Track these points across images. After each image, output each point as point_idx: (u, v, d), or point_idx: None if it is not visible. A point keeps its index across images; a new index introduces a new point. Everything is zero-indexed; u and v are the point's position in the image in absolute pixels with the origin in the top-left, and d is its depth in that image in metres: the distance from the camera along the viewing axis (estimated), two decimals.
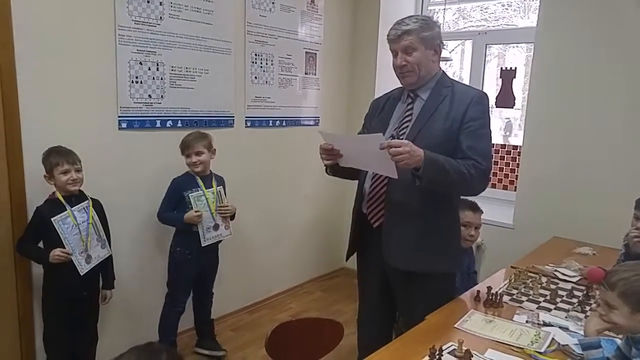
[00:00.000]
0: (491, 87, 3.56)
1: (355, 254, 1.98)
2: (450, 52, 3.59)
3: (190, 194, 2.34)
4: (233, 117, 2.92)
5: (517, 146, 3.45)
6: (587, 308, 1.68)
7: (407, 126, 1.74)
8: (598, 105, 2.71)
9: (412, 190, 1.62)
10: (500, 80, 3.38)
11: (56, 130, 2.12)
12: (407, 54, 1.71)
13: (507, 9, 3.71)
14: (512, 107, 3.41)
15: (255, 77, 3.02)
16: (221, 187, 2.46)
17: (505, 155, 3.56)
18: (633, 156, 2.62)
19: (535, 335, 1.46)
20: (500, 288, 1.86)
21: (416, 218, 1.70)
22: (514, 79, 3.31)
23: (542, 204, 2.92)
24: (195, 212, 2.32)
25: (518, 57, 3.88)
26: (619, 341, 1.26)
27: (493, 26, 3.77)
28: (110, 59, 2.29)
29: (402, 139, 1.65)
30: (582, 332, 1.44)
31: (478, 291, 1.76)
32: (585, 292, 1.83)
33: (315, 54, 3.41)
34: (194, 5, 2.59)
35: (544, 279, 1.94)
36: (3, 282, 2.09)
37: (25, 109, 2.05)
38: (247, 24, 2.91)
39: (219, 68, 2.77)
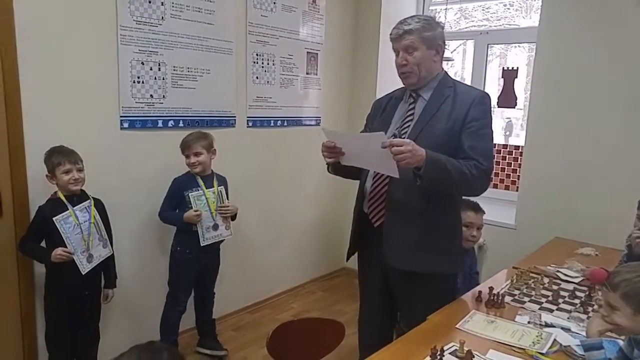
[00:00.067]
0: (493, 87, 3.55)
1: (356, 254, 1.98)
2: (451, 52, 3.59)
3: (190, 194, 2.35)
4: (234, 117, 2.92)
5: (518, 146, 3.44)
6: (590, 309, 1.68)
7: (409, 126, 1.74)
8: (600, 105, 2.71)
9: (413, 189, 1.62)
10: (502, 80, 3.37)
11: (58, 130, 2.12)
12: (409, 54, 1.71)
13: (509, 8, 3.71)
14: (514, 107, 3.40)
15: (257, 77, 3.02)
16: (222, 187, 2.46)
17: (507, 156, 3.55)
18: (635, 156, 2.61)
19: (537, 336, 1.46)
20: (502, 288, 1.85)
21: (417, 217, 1.70)
22: (516, 79, 3.31)
23: (544, 204, 2.91)
24: (195, 211, 2.32)
25: (520, 57, 3.88)
26: (621, 342, 1.26)
27: (495, 26, 3.76)
28: (112, 59, 2.30)
29: (403, 138, 1.65)
30: (584, 333, 1.44)
31: (480, 291, 1.76)
32: (587, 293, 1.82)
33: (317, 54, 3.41)
34: (196, 5, 2.60)
35: (546, 280, 1.94)
36: (6, 281, 2.10)
37: (27, 109, 2.05)
38: (249, 24, 2.91)
39: (221, 68, 2.77)
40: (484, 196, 1.83)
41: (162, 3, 2.44)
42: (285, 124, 3.26)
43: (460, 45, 3.99)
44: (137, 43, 2.37)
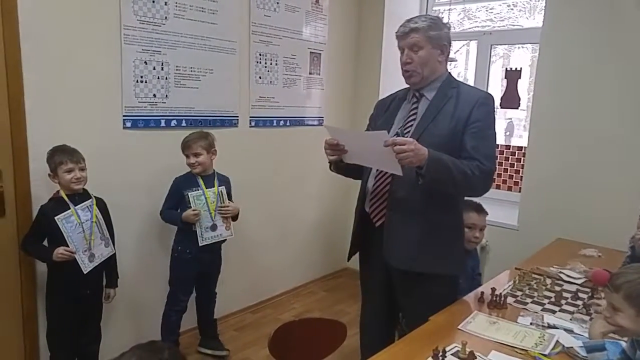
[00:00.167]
0: (496, 88, 3.54)
1: (358, 255, 1.98)
2: (455, 53, 3.58)
3: (189, 193, 2.34)
4: (237, 116, 2.92)
5: (521, 147, 3.43)
6: (592, 310, 1.67)
7: (412, 125, 1.74)
8: (603, 106, 2.70)
9: (415, 188, 1.62)
10: (505, 80, 3.36)
11: (61, 129, 2.13)
12: (414, 52, 1.71)
13: (512, 9, 3.70)
14: (517, 108, 3.40)
15: (260, 77, 3.02)
16: (223, 187, 2.45)
17: (510, 156, 3.54)
18: (639, 158, 2.60)
19: (539, 337, 1.45)
20: (505, 289, 1.85)
21: (419, 217, 1.70)
22: (519, 80, 3.30)
23: (547, 205, 2.90)
24: (193, 211, 2.32)
25: (523, 57, 3.87)
26: (623, 344, 1.25)
27: (498, 26, 3.75)
28: (115, 59, 2.30)
29: (406, 137, 1.65)
30: (586, 335, 1.43)
31: (482, 292, 1.75)
32: (590, 294, 1.82)
33: (320, 54, 3.41)
34: (199, 5, 2.60)
35: (548, 281, 1.93)
36: (8, 280, 2.10)
37: (30, 108, 2.06)
38: (252, 24, 2.91)
39: (224, 68, 2.78)
40: (486, 197, 1.82)
41: (165, 3, 2.45)
42: (288, 124, 3.26)
43: (463, 45, 3.98)
44: (140, 42, 2.38)
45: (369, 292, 1.99)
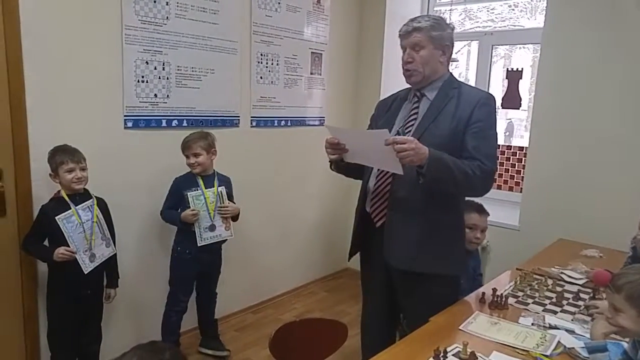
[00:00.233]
0: (497, 88, 3.54)
1: (359, 255, 1.97)
2: (456, 53, 3.58)
3: (188, 193, 2.34)
4: (238, 117, 2.92)
5: (522, 147, 3.43)
6: (589, 313, 1.66)
7: (413, 125, 1.74)
8: (604, 107, 2.69)
9: (416, 188, 1.62)
10: (506, 81, 3.36)
11: (62, 129, 2.13)
12: (415, 51, 1.72)
13: (513, 9, 3.70)
14: (518, 108, 3.39)
15: (261, 77, 3.02)
16: (223, 187, 2.44)
17: (511, 157, 3.54)
18: None
19: (541, 338, 1.45)
20: (506, 290, 1.84)
21: (419, 217, 1.69)
22: (520, 80, 3.30)
23: (548, 205, 2.90)
24: (191, 211, 2.32)
25: (524, 58, 3.86)
26: (625, 344, 1.25)
27: (499, 27, 3.75)
28: (116, 59, 2.30)
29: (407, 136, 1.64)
30: (588, 335, 1.43)
31: (483, 293, 1.75)
32: (591, 295, 1.81)
33: (321, 54, 3.41)
34: (200, 5, 2.60)
35: (549, 282, 1.93)
36: (9, 280, 2.10)
37: (32, 108, 2.06)
38: (253, 24, 2.91)
39: (225, 68, 2.78)
40: (487, 197, 1.82)
41: (167, 3, 2.45)
42: (289, 124, 3.26)
43: (464, 46, 3.98)
44: (141, 42, 2.38)
45: (370, 293, 1.99)
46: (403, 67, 1.77)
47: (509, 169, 3.54)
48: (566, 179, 2.83)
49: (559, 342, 1.42)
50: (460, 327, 1.52)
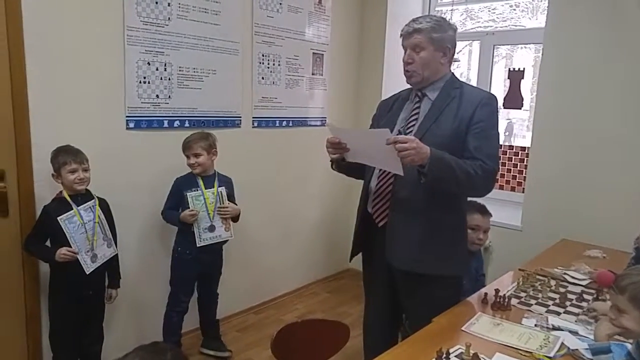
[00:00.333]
0: (499, 88, 3.54)
1: (361, 255, 1.97)
2: (457, 53, 3.57)
3: (188, 194, 2.34)
4: (240, 117, 2.92)
5: (524, 147, 3.42)
6: (590, 315, 1.65)
7: (414, 125, 1.74)
8: (607, 107, 2.69)
9: (418, 188, 1.62)
10: (508, 81, 3.35)
11: (64, 130, 2.13)
12: (415, 52, 1.72)
13: (514, 9, 3.69)
14: (520, 108, 3.39)
15: (263, 78, 3.02)
16: (223, 187, 2.44)
17: (513, 157, 3.53)
18: None
19: (544, 339, 1.44)
20: (509, 291, 1.84)
21: (422, 218, 1.69)
22: (522, 80, 3.29)
23: (551, 205, 2.89)
24: (190, 211, 2.32)
25: (526, 58, 3.86)
26: (629, 346, 1.24)
27: (501, 27, 3.74)
28: (118, 59, 2.30)
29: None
30: (592, 337, 1.42)
31: (486, 293, 1.74)
32: (595, 296, 1.80)
33: (322, 54, 3.41)
34: (202, 6, 2.60)
35: (552, 282, 1.92)
36: (11, 280, 2.11)
37: (34, 109, 2.06)
38: (255, 25, 2.91)
39: (226, 68, 2.78)
40: (489, 197, 1.82)
41: (168, 4, 2.45)
42: (291, 124, 3.26)
43: (466, 46, 3.97)
44: (143, 43, 2.38)
45: (372, 293, 1.98)
46: (404, 68, 1.77)
47: (511, 169, 3.53)
48: (568, 179, 2.83)
49: (562, 343, 1.41)
50: (463, 328, 1.51)
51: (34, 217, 2.08)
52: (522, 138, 4.09)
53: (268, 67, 3.04)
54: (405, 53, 1.75)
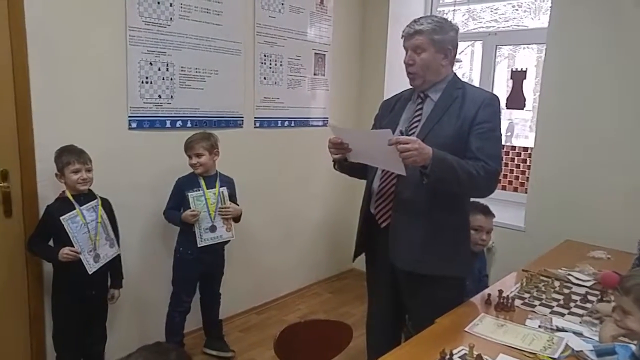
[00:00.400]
0: (501, 89, 3.53)
1: (364, 255, 1.97)
2: (459, 54, 3.57)
3: (190, 194, 2.34)
4: (242, 117, 2.92)
5: (527, 148, 3.41)
6: (594, 317, 1.64)
7: (417, 125, 1.73)
8: (610, 107, 2.68)
9: (421, 189, 1.61)
10: (510, 81, 3.35)
11: (67, 130, 2.13)
12: (417, 54, 1.71)
13: (517, 9, 3.68)
14: (523, 109, 3.38)
15: (264, 78, 3.02)
16: (224, 187, 2.43)
17: (516, 157, 3.52)
18: None
19: (548, 341, 1.44)
20: (512, 292, 1.83)
21: (424, 218, 1.68)
22: (525, 80, 3.28)
23: (554, 206, 2.88)
24: (191, 211, 2.31)
25: (528, 58, 3.85)
26: (634, 347, 1.23)
27: (503, 27, 3.74)
28: (120, 60, 2.31)
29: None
30: (596, 338, 1.41)
31: (489, 294, 1.73)
32: (599, 297, 1.80)
33: (324, 54, 3.40)
34: (204, 6, 2.60)
35: (556, 283, 1.91)
36: (15, 280, 2.11)
37: (37, 109, 2.07)
38: (257, 25, 2.91)
39: (228, 69, 2.78)
40: (492, 198, 1.81)
41: (170, 4, 2.45)
42: (293, 124, 3.26)
43: (468, 46, 3.97)
44: (145, 44, 2.38)
45: (375, 294, 1.98)
46: (406, 69, 1.77)
47: (513, 170, 3.52)
48: (572, 180, 2.82)
49: (566, 344, 1.41)
50: (466, 329, 1.51)
51: (37, 217, 2.08)
52: (525, 138, 4.08)
53: (270, 68, 3.04)
54: (406, 54, 1.75)
